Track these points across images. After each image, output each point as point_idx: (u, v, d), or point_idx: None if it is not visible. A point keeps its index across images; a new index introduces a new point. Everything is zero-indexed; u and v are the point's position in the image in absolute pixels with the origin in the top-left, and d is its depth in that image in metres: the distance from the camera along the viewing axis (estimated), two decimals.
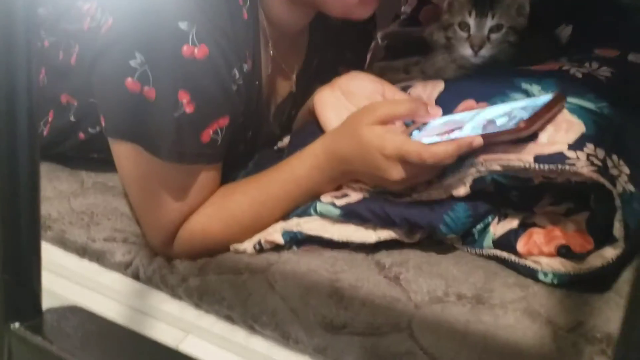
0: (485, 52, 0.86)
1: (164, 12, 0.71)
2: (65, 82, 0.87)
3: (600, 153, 0.64)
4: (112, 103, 0.75)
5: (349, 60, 1.02)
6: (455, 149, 0.67)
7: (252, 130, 0.90)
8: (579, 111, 0.69)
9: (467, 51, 0.87)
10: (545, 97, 0.69)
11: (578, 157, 0.63)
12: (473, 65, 0.89)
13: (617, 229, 0.63)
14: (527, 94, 0.74)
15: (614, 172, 0.63)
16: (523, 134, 0.66)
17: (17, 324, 0.42)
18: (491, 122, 0.68)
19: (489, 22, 0.85)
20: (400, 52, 1.05)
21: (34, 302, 0.45)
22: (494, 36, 0.85)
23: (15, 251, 0.47)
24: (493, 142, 0.67)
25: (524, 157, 0.66)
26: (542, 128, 0.67)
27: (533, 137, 0.67)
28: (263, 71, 0.86)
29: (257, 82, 0.85)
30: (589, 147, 0.64)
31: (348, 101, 0.82)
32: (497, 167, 0.68)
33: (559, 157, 0.64)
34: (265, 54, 0.87)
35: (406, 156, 0.68)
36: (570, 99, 0.71)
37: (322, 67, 0.99)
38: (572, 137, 0.66)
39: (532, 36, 0.92)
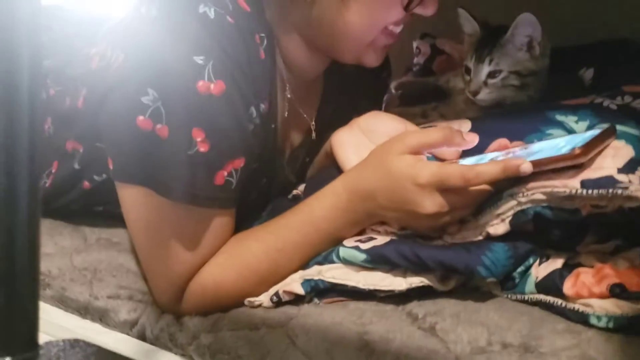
0: (483, 96, 0.86)
1: (178, 45, 0.68)
2: (71, 128, 0.83)
3: None
4: (121, 143, 0.71)
5: (364, 108, 0.99)
6: (501, 170, 0.61)
7: (267, 177, 0.85)
8: (624, 135, 0.64)
9: (467, 94, 0.88)
10: (593, 131, 0.64)
11: (630, 181, 0.58)
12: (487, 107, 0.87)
13: None
14: (564, 127, 0.70)
15: None
16: (579, 161, 0.60)
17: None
18: (535, 154, 0.63)
19: (486, 68, 0.85)
20: (415, 101, 1.03)
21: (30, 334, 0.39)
22: (491, 81, 0.86)
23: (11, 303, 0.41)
24: (542, 170, 0.62)
25: (570, 183, 0.60)
26: (594, 158, 0.62)
27: (578, 166, 0.62)
28: (279, 114, 0.83)
29: (273, 126, 0.82)
30: None
31: (369, 140, 0.77)
32: (541, 197, 0.62)
33: (609, 181, 0.59)
34: (281, 97, 0.84)
35: (446, 179, 0.63)
36: None
37: (337, 115, 0.96)
38: (621, 161, 0.61)
39: (554, 80, 0.90)
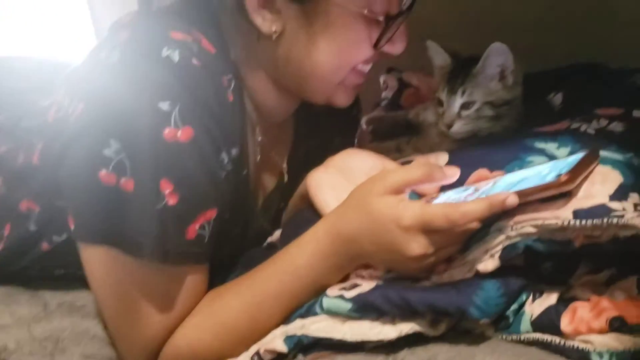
0: (457, 128, 0.84)
1: (141, 92, 0.64)
2: (25, 187, 0.77)
3: None
4: (83, 200, 0.66)
5: (338, 146, 0.96)
6: (487, 208, 0.58)
7: (240, 226, 0.80)
8: (609, 161, 0.62)
9: (441, 127, 0.85)
10: (576, 156, 0.62)
11: (624, 208, 0.56)
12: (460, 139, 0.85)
13: None
14: (545, 154, 0.68)
15: None
16: (566, 188, 0.58)
17: None
18: (518, 183, 0.61)
19: (459, 99, 0.84)
20: (386, 136, 1.01)
21: None
22: (465, 113, 0.84)
23: None
24: (529, 200, 0.59)
25: (562, 214, 0.57)
26: (581, 185, 0.59)
27: (566, 194, 0.59)
28: (251, 159, 0.79)
29: (245, 172, 0.78)
30: (634, 197, 0.57)
31: (346, 179, 0.73)
32: (531, 229, 0.59)
33: (603, 210, 0.56)
34: (252, 140, 0.80)
35: (430, 221, 0.59)
36: None
37: (310, 156, 0.92)
38: (611, 187, 0.58)
39: (524, 104, 0.89)
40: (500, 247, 0.61)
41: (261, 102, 0.80)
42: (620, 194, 0.57)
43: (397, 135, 0.99)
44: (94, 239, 0.66)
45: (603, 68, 1.00)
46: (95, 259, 0.68)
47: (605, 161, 0.62)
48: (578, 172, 0.59)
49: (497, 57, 0.82)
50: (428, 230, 0.60)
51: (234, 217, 0.77)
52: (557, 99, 0.96)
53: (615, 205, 0.56)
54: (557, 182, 0.58)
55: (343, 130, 1.00)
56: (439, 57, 0.88)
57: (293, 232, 0.76)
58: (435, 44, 0.87)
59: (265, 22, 0.72)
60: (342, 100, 0.81)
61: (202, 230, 0.67)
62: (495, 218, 0.61)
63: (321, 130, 0.95)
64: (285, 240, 0.77)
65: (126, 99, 0.64)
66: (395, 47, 0.76)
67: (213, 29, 0.74)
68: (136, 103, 0.63)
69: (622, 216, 0.55)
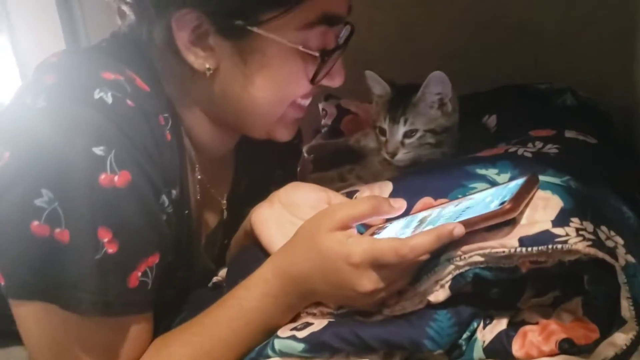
0: (400, 156, 0.85)
1: (73, 137, 0.60)
2: None
3: (589, 226, 0.58)
4: (14, 254, 0.61)
5: (280, 178, 0.95)
6: (435, 240, 0.58)
7: (183, 269, 0.78)
8: (548, 186, 0.63)
9: (385, 156, 0.87)
10: (517, 181, 0.63)
11: (567, 234, 0.57)
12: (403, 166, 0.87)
13: (626, 309, 0.55)
14: (487, 180, 0.69)
15: (610, 244, 0.57)
16: (510, 216, 0.58)
17: None
18: (464, 212, 0.61)
19: (402, 128, 0.85)
20: (328, 164, 1.01)
21: None
22: (408, 141, 0.86)
23: None
24: (475, 229, 0.59)
25: (508, 242, 0.58)
26: (524, 211, 0.60)
27: (510, 221, 0.60)
28: (192, 198, 0.77)
29: (186, 212, 0.75)
30: (575, 222, 0.58)
31: (291, 215, 0.72)
32: (479, 258, 0.60)
33: (547, 236, 0.57)
34: (192, 179, 0.78)
35: (379, 257, 0.59)
36: None
37: (252, 189, 0.91)
38: (552, 213, 0.59)
39: (461, 130, 0.90)
40: (450, 277, 0.62)
41: (199, 139, 0.78)
42: (562, 219, 0.58)
43: (340, 161, 0.99)
44: (28, 295, 0.62)
45: (532, 89, 1.03)
46: (30, 316, 0.63)
47: (544, 186, 0.64)
48: (520, 198, 0.60)
49: (437, 86, 0.84)
50: (378, 265, 0.60)
51: (177, 259, 0.75)
52: (492, 121, 0.99)
53: (558, 230, 0.57)
54: (501, 211, 0.58)
55: (285, 161, 0.99)
56: (378, 87, 0.89)
57: (239, 271, 0.73)
58: (373, 73, 0.88)
59: (198, 60, 0.70)
60: (283, 134, 0.80)
61: (145, 277, 0.64)
62: (443, 248, 0.61)
63: (262, 162, 0.93)
64: (232, 279, 0.75)
65: (57, 145, 0.60)
66: (334, 80, 0.76)
67: (146, 67, 0.72)
68: (68, 149, 0.60)
69: (566, 241, 0.56)
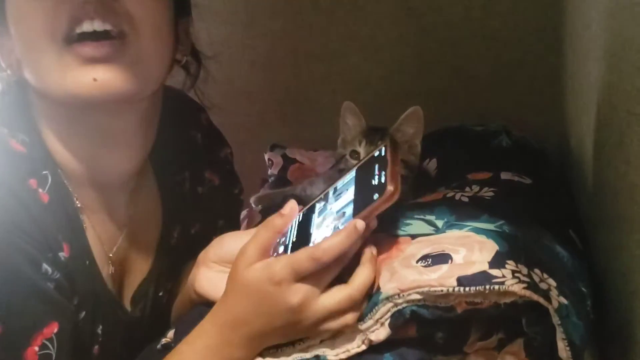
0: None
1: None
2: None
3: (523, 268, 0.59)
4: None
5: (222, 228, 0.95)
6: (345, 237, 0.60)
7: (103, 323, 0.76)
8: (483, 232, 0.65)
9: None
10: (378, 152, 0.67)
11: (504, 275, 0.58)
12: None
13: (562, 350, 0.57)
14: (425, 222, 0.71)
15: (543, 286, 0.58)
16: (396, 197, 0.61)
17: None
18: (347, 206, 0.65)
19: None
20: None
21: None
22: None
23: None
24: (374, 215, 0.63)
25: (446, 282, 0.59)
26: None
27: (445, 258, 0.62)
28: (95, 246, 0.75)
29: (87, 262, 0.74)
30: (510, 264, 0.59)
31: (228, 268, 0.71)
32: (417, 296, 0.61)
33: (484, 277, 0.58)
34: (91, 224, 0.76)
35: (298, 267, 0.60)
36: (469, 223, 0.68)
37: (187, 239, 0.90)
38: (489, 255, 0.61)
39: None
40: (389, 315, 0.62)
41: (78, 167, 0.75)
42: (498, 262, 0.60)
43: None
44: None
45: (469, 131, 1.07)
46: None
47: (480, 232, 0.66)
48: (395, 175, 0.63)
49: (415, 121, 0.87)
50: (299, 276, 0.60)
51: (93, 313, 0.73)
52: (432, 164, 1.01)
53: (495, 272, 0.59)
54: (388, 196, 0.61)
55: (226, 211, 0.99)
56: (354, 118, 0.91)
57: (187, 329, 0.72)
58: (353, 104, 0.90)
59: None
60: (84, 82, 0.68)
61: (45, 349, 0.63)
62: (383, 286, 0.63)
63: (202, 211, 0.93)
64: (180, 338, 0.74)
65: None
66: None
67: (25, 119, 0.72)
68: None
69: (503, 282, 0.57)
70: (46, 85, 0.70)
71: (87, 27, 0.66)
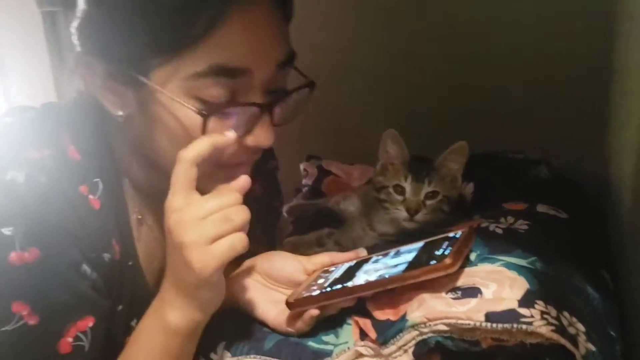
0: (420, 217, 0.86)
1: None
2: None
3: (552, 310, 0.59)
4: None
5: (259, 237, 0.96)
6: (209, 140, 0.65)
7: (137, 317, 0.77)
8: (515, 267, 0.65)
9: (402, 214, 0.86)
10: (454, 233, 0.68)
11: (532, 315, 0.58)
12: (403, 230, 0.87)
13: None
14: None
15: (572, 330, 0.58)
16: (450, 271, 0.62)
17: None
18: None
19: (426, 188, 0.86)
20: (308, 225, 1.02)
21: None
22: (429, 202, 0.86)
23: None
24: (417, 281, 0.64)
25: (474, 316, 0.59)
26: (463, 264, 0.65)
27: (475, 292, 0.62)
28: (142, 250, 0.78)
29: (130, 263, 0.76)
30: (540, 304, 0.59)
31: (270, 284, 0.77)
32: (443, 327, 0.61)
33: (512, 315, 0.58)
34: (139, 230, 0.79)
35: (173, 179, 0.65)
36: (501, 257, 0.68)
37: None
38: (519, 293, 0.61)
39: None
40: (413, 343, 0.63)
41: (146, 186, 0.77)
42: (527, 300, 0.60)
43: (320, 223, 1.00)
44: None
45: (508, 158, 1.06)
46: None
47: (511, 267, 0.66)
48: (460, 253, 0.64)
49: (460, 156, 0.86)
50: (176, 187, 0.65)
51: (131, 309, 0.76)
52: (470, 187, 1.01)
53: (524, 311, 0.59)
54: (442, 265, 0.62)
55: (265, 220, 1.00)
56: (397, 147, 0.88)
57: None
58: (396, 132, 0.88)
59: (109, 105, 0.69)
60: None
61: (79, 341, 0.65)
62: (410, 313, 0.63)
63: None
64: None
65: None
66: (258, 139, 0.69)
67: (89, 126, 0.73)
68: None
69: (531, 323, 0.57)
70: (160, 162, 0.71)
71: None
